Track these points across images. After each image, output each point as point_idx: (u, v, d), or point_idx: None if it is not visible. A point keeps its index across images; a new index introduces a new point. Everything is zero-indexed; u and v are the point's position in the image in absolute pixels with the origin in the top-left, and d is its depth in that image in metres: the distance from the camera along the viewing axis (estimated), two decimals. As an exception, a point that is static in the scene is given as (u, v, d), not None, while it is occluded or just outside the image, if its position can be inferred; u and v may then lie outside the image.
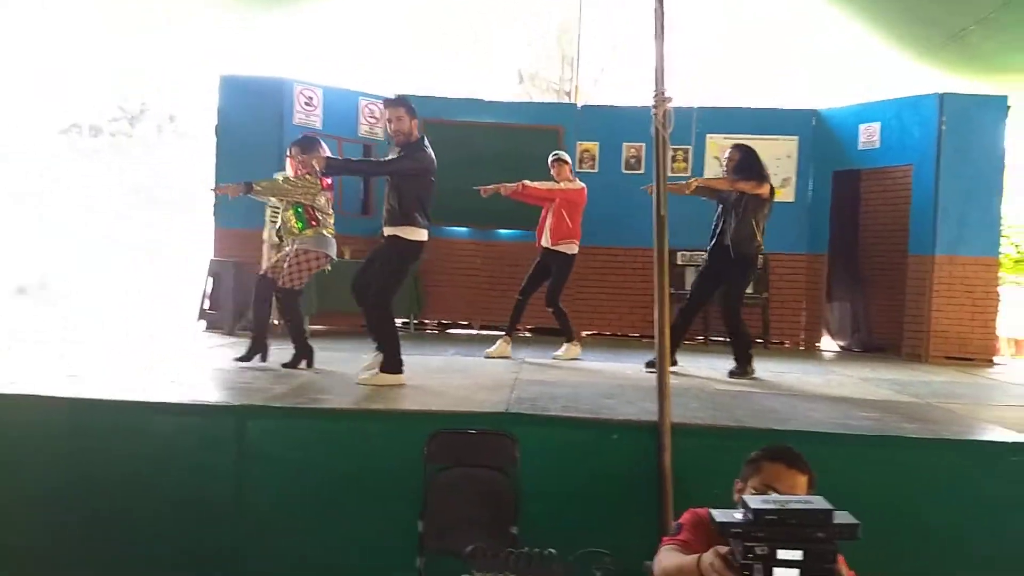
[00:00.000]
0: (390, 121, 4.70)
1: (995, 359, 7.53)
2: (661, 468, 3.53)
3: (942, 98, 7.27)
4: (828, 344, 8.62)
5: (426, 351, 6.35)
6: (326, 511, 3.56)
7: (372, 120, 8.16)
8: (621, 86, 18.08)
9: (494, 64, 18.71)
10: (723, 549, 1.66)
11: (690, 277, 8.22)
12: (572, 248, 6.26)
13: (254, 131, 7.46)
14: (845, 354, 7.99)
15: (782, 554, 1.50)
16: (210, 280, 7.35)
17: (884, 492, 3.39)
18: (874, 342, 8.11)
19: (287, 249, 5.13)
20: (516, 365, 5.55)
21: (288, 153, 5.23)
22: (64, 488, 3.58)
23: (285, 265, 4.98)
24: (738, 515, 1.58)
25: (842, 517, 1.53)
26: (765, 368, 6.10)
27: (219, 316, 7.23)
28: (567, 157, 6.46)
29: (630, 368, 5.83)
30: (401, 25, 18.28)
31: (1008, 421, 4.15)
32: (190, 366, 5.08)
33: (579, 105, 9.48)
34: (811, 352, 8.03)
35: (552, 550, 1.92)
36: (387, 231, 4.60)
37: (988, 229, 7.32)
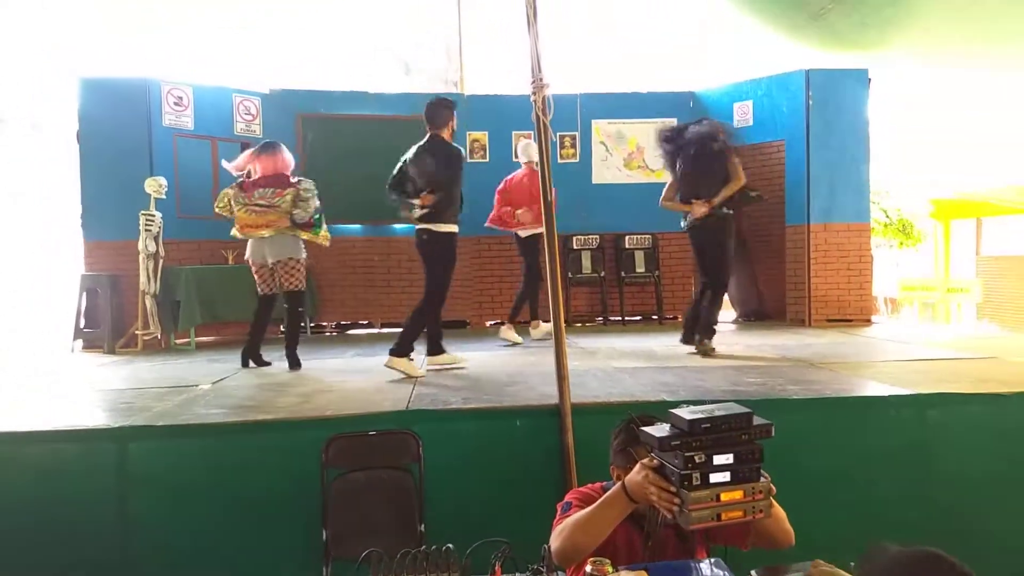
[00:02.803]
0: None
1: (873, 319, 8.02)
2: (564, 449, 3.57)
3: (808, 74, 7.64)
4: (724, 315, 8.95)
5: (324, 354, 6.17)
6: (223, 531, 3.39)
7: (248, 117, 7.83)
8: (507, 75, 18.17)
9: (379, 57, 18.41)
10: (653, 462, 1.70)
11: (585, 261, 8.40)
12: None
13: (120, 135, 7.00)
14: (736, 324, 8.32)
15: (718, 459, 1.61)
16: (84, 296, 6.87)
17: (771, 453, 3.52)
18: (765, 310, 8.48)
19: (251, 257, 5.29)
20: (418, 359, 5.46)
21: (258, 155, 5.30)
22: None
23: (286, 270, 5.26)
24: (662, 432, 1.65)
25: (757, 419, 1.66)
26: (659, 342, 6.29)
27: (97, 334, 6.78)
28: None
29: (531, 353, 5.86)
30: (281, 18, 17.70)
31: (883, 376, 4.42)
32: (65, 389, 4.73)
33: (465, 95, 9.42)
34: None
35: (450, 545, 1.88)
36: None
37: (858, 196, 7.76)
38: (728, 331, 7.01)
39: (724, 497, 1.61)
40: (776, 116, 7.93)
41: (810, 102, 7.58)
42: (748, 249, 8.70)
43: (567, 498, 2.08)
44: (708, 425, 1.61)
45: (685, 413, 1.65)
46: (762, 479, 1.67)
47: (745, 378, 4.44)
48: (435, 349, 5.15)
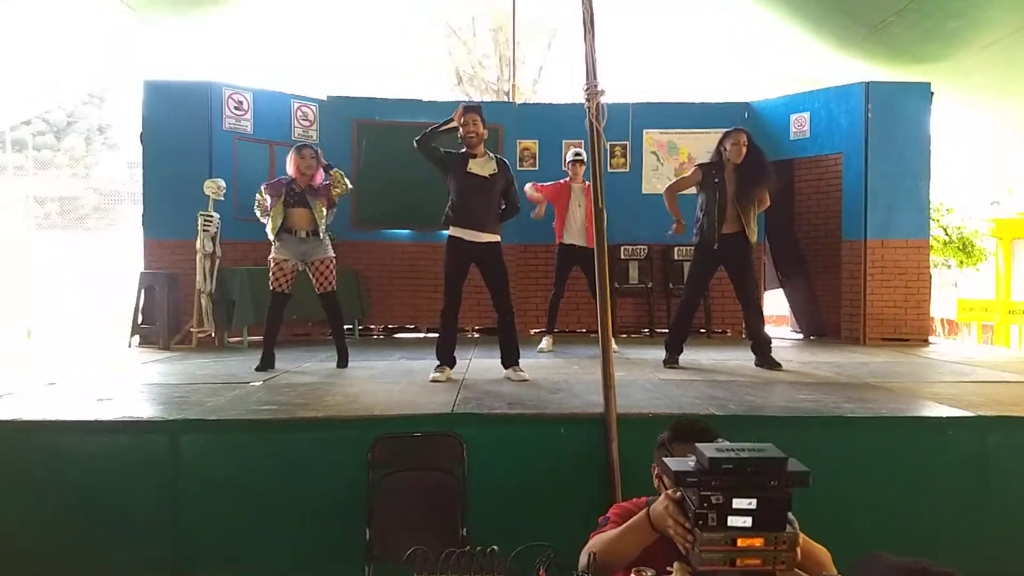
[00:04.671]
0: (465, 124, 4.91)
1: (929, 339, 7.77)
2: (609, 459, 3.53)
3: (868, 87, 7.48)
4: (783, 332, 8.80)
5: (371, 356, 6.24)
6: (269, 526, 3.44)
7: (306, 123, 8.00)
8: (559, 85, 18.24)
9: (433, 66, 18.65)
10: (675, 494, 1.64)
11: (632, 271, 8.33)
12: None
13: (182, 138, 7.22)
14: (789, 340, 8.14)
15: (737, 503, 1.51)
16: (142, 293, 7.08)
17: (826, 470, 3.43)
18: (824, 327, 8.29)
19: (279, 256, 5.31)
20: (463, 365, 5.48)
21: (301, 155, 5.38)
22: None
23: (321, 273, 5.42)
24: (691, 463, 1.56)
25: (793, 465, 1.54)
26: (708, 356, 6.19)
27: (153, 330, 6.97)
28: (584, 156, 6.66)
29: (576, 363, 5.83)
30: (338, 28, 18.10)
31: (941, 397, 4.27)
32: (121, 383, 4.87)
33: (517, 104, 9.46)
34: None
35: (495, 547, 1.87)
36: (494, 238, 4.95)
37: (917, 213, 7.55)
38: (781, 347, 6.85)
39: (741, 543, 1.51)
40: (834, 129, 7.77)
41: (869, 115, 7.41)
42: (807, 265, 8.53)
43: (608, 512, 2.06)
44: (730, 466, 1.52)
45: (709, 449, 1.58)
46: (788, 529, 1.55)
47: (798, 395, 4.33)
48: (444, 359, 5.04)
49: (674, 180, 6.02)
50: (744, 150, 5.42)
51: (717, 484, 1.51)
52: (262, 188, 5.47)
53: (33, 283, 16.57)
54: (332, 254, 5.51)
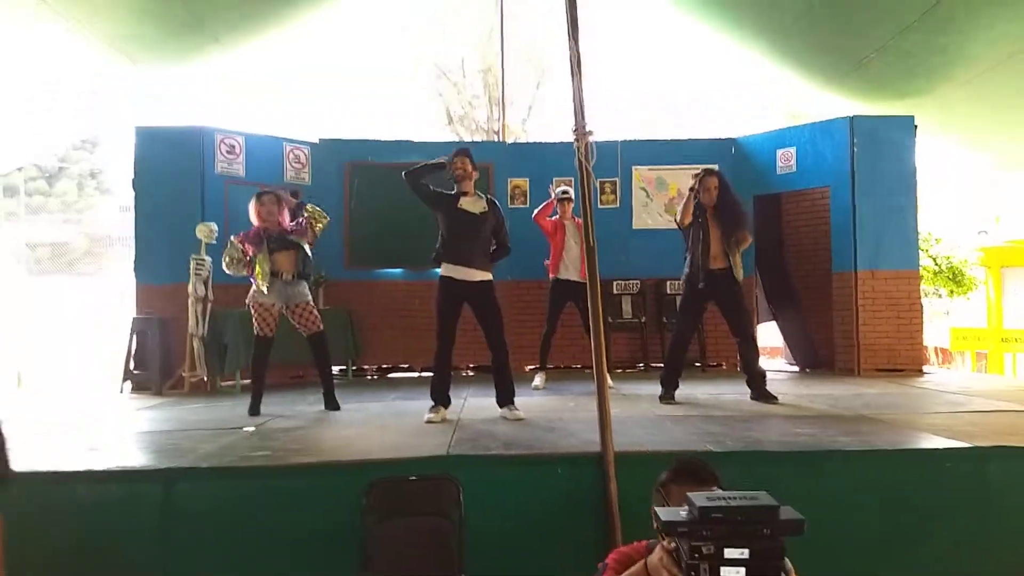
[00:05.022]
0: (455, 165, 5.00)
1: (924, 369, 7.78)
2: (607, 499, 3.50)
3: (852, 121, 7.59)
4: (778, 364, 8.79)
5: (365, 398, 6.20)
6: (264, 574, 3.38)
7: (298, 165, 8.05)
8: (549, 123, 18.46)
9: (423, 108, 18.85)
10: (669, 544, 1.62)
11: (625, 305, 8.35)
12: None
13: (174, 182, 7.24)
14: (784, 372, 8.14)
15: (729, 553, 1.48)
16: (134, 338, 7.03)
17: (823, 504, 3.42)
18: (818, 359, 8.29)
19: (267, 300, 5.30)
20: (458, 404, 5.45)
21: (261, 202, 5.37)
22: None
23: (305, 314, 5.40)
24: (683, 513, 1.54)
25: (787, 513, 1.51)
26: (703, 391, 6.18)
27: (145, 376, 6.92)
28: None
29: (571, 400, 5.81)
30: (328, 71, 18.31)
31: (938, 428, 4.26)
32: (113, 430, 4.81)
33: (507, 143, 9.56)
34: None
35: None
36: (486, 276, 4.97)
37: (906, 244, 7.61)
38: (776, 380, 6.83)
39: None
40: (820, 163, 7.87)
41: (855, 149, 7.52)
42: (799, 297, 8.56)
43: (608, 559, 2.03)
44: (720, 515, 1.49)
45: (700, 498, 1.56)
46: None
47: (794, 428, 4.32)
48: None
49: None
50: (715, 193, 5.51)
51: (708, 534, 1.48)
52: (234, 240, 5.37)
53: (24, 329, 16.46)
54: (310, 296, 5.50)
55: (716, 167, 6.16)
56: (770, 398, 5.43)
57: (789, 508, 1.51)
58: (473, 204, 4.99)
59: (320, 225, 5.44)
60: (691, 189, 5.62)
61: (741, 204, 5.71)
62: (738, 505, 1.50)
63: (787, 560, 1.53)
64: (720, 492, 1.60)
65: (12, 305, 17.51)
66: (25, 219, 21.66)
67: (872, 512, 3.50)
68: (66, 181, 23.65)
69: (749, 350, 5.64)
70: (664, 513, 1.55)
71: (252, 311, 5.34)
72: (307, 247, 5.42)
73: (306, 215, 5.41)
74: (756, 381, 5.57)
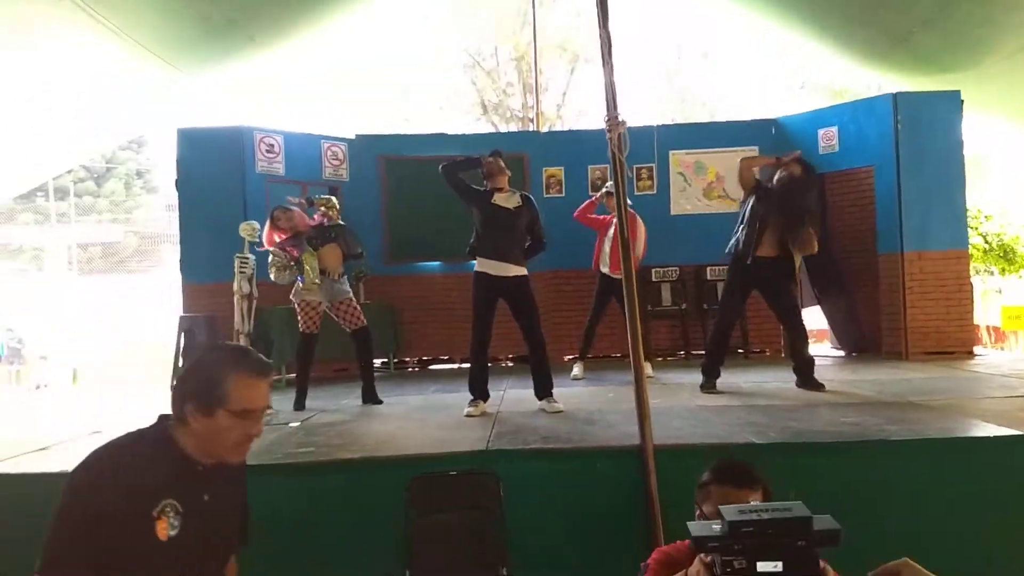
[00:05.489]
0: (491, 163, 5.02)
1: (975, 351, 7.57)
2: (648, 492, 3.49)
3: (895, 98, 7.39)
4: (824, 349, 8.65)
5: (406, 390, 6.28)
6: (309, 570, 3.45)
7: (335, 162, 8.14)
8: (584, 108, 18.33)
9: (457, 99, 18.87)
10: (706, 558, 1.62)
11: (665, 293, 8.27)
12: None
13: (216, 182, 7.40)
14: (830, 357, 7.99)
15: (762, 566, 1.46)
16: (182, 336, 7.21)
17: (870, 496, 3.37)
18: (864, 342, 8.13)
19: (313, 299, 5.45)
20: (497, 397, 5.48)
21: (275, 217, 5.64)
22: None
23: (350, 310, 5.52)
24: (716, 526, 1.52)
25: (823, 523, 1.48)
26: (746, 379, 6.11)
27: (194, 372, 7.09)
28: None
29: (610, 390, 5.80)
30: (361, 66, 18.45)
31: (989, 415, 4.15)
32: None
33: (541, 132, 9.53)
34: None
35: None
36: (521, 271, 4.97)
37: (954, 223, 7.41)
38: (823, 366, 6.72)
39: None
40: (863, 142, 7.68)
41: (899, 126, 7.32)
42: (845, 280, 8.38)
43: (649, 560, 2.03)
44: (751, 529, 1.47)
45: (732, 511, 1.55)
46: None
47: (840, 417, 4.25)
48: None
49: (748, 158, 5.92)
50: (787, 177, 5.40)
51: (739, 548, 1.46)
52: (275, 249, 5.55)
53: (78, 327, 17.01)
54: (351, 293, 5.65)
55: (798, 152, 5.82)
56: (817, 386, 5.33)
57: (827, 517, 1.48)
58: (507, 200, 5.01)
59: (334, 209, 5.70)
60: (777, 158, 5.55)
61: (812, 209, 5.52)
62: (770, 518, 1.47)
63: (826, 566, 1.51)
64: (754, 504, 1.59)
65: (66, 304, 18.10)
66: (76, 220, 22.32)
67: (920, 504, 3.42)
68: (114, 181, 24.28)
69: (797, 338, 5.54)
70: (696, 528, 1.54)
71: (297, 308, 5.47)
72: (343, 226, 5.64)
73: (322, 209, 5.67)
74: (803, 369, 5.47)
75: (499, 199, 4.99)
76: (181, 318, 7.30)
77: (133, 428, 1.84)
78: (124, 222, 23.47)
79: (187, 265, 7.50)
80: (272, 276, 5.54)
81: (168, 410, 1.83)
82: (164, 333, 8.72)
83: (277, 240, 5.55)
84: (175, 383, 1.81)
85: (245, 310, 6.92)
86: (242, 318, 6.90)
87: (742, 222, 5.52)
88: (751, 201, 5.49)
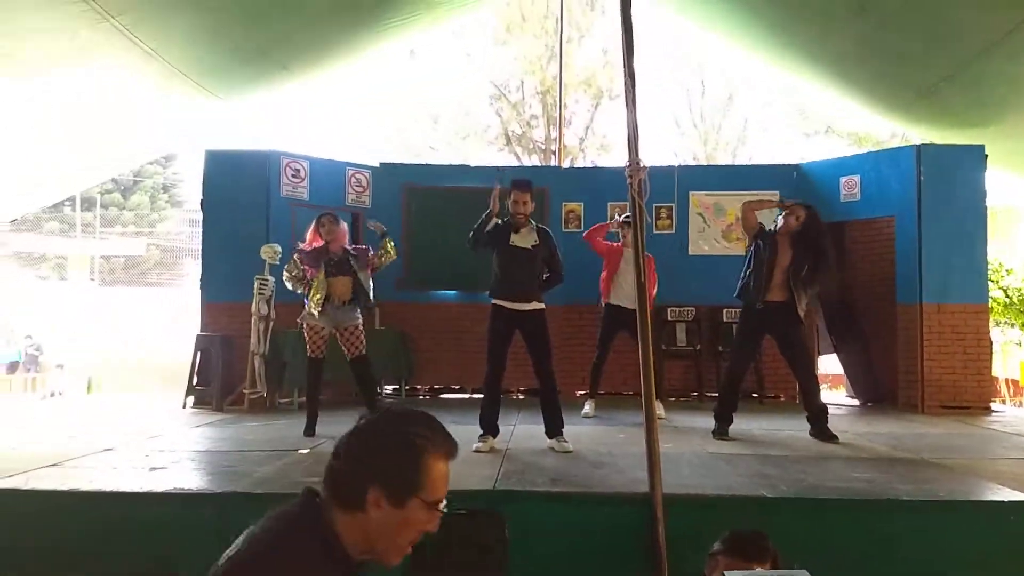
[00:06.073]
0: (517, 203, 5.01)
1: (993, 406, 7.47)
2: (655, 541, 3.46)
3: (919, 149, 7.39)
4: (838, 397, 8.56)
5: (416, 420, 6.27)
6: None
7: (359, 189, 8.24)
8: (606, 143, 18.47)
9: (481, 129, 19.07)
10: None
11: (680, 333, 8.24)
12: None
13: (241, 204, 7.50)
14: (845, 407, 7.90)
15: None
16: (198, 355, 7.28)
17: (879, 556, 3.32)
18: (880, 392, 8.04)
19: (316, 323, 5.44)
20: (507, 432, 5.47)
21: (320, 223, 5.55)
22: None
23: (352, 338, 5.49)
24: None
25: None
26: (759, 425, 6.06)
27: (207, 391, 7.15)
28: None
29: (622, 431, 5.77)
30: (388, 97, 18.72)
31: (1004, 476, 4.09)
32: (174, 448, 4.99)
33: (562, 167, 9.60)
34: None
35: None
36: (538, 305, 5.00)
37: (974, 276, 7.35)
38: (836, 415, 6.66)
39: None
40: (886, 192, 7.66)
41: (921, 178, 7.30)
42: (862, 329, 8.32)
43: None
44: None
45: None
46: None
47: (851, 472, 4.20)
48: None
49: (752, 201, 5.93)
50: (794, 224, 5.40)
51: None
52: (296, 258, 5.57)
53: (97, 337, 17.18)
54: (360, 320, 5.59)
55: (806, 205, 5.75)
56: (831, 437, 5.28)
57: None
58: (524, 238, 5.03)
59: (386, 259, 5.65)
60: (780, 200, 5.57)
61: (827, 255, 5.48)
62: None
63: None
64: (759, 572, 1.59)
65: (85, 314, 18.31)
66: (100, 231, 22.65)
67: (929, 566, 3.37)
68: (140, 194, 24.66)
69: (810, 386, 5.51)
70: None
71: (304, 331, 5.51)
72: (366, 276, 5.55)
73: (380, 252, 5.62)
74: (817, 418, 5.43)
75: (516, 239, 5.02)
76: (198, 337, 7.38)
77: (278, 512, 1.46)
78: (147, 235, 23.77)
79: (207, 283, 7.59)
80: (284, 280, 5.64)
81: (313, 484, 1.49)
82: (181, 347, 8.80)
83: (314, 245, 5.56)
84: (344, 458, 1.45)
85: (262, 331, 7.01)
86: (258, 339, 6.99)
87: (748, 266, 5.52)
88: (755, 245, 5.51)
